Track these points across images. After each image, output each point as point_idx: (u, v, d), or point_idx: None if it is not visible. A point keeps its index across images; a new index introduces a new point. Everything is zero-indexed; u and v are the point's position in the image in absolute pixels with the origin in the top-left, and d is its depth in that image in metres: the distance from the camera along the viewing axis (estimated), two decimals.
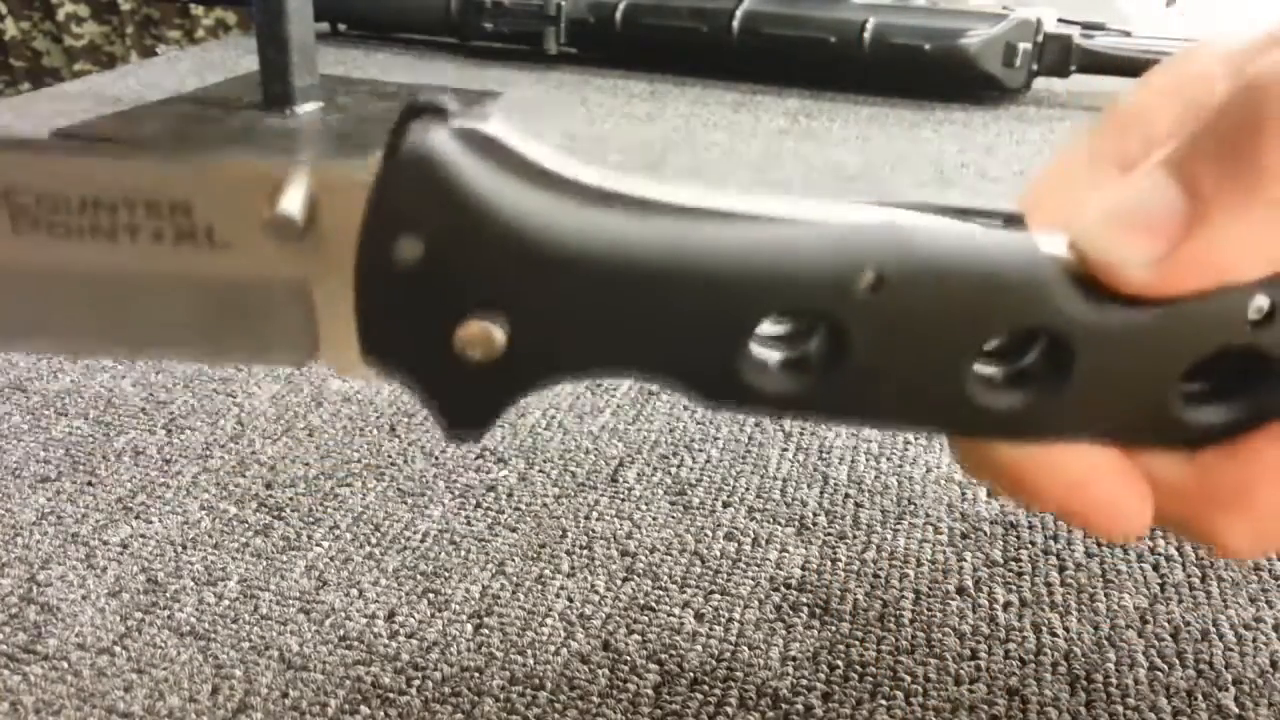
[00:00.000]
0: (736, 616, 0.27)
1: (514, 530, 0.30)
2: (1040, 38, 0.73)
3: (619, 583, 0.28)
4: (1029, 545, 0.29)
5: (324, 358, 0.17)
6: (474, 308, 0.16)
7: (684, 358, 0.17)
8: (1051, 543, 0.29)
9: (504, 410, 0.18)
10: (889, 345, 0.17)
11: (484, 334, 0.16)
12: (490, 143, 0.16)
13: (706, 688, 0.25)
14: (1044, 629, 0.26)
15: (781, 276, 0.16)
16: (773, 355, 0.17)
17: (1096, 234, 0.17)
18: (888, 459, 0.33)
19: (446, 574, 0.28)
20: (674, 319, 0.16)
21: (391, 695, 0.24)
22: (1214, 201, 0.16)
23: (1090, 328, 0.17)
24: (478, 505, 0.31)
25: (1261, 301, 0.17)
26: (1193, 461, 0.19)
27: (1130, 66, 0.73)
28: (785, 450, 0.34)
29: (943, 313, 0.17)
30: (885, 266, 0.16)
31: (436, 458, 0.33)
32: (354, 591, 0.28)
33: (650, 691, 0.25)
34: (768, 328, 0.18)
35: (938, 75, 0.74)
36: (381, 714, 0.24)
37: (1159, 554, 0.29)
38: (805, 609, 0.27)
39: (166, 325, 0.17)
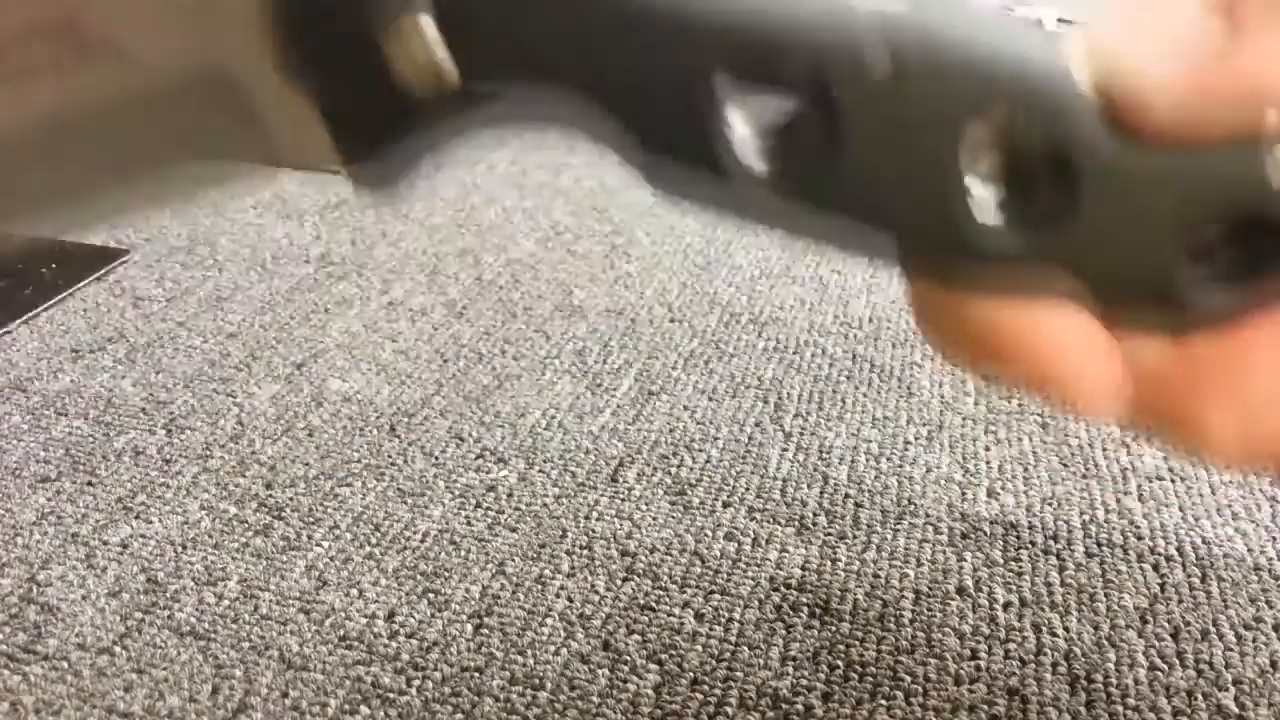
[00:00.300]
0: (736, 616, 0.27)
1: (514, 530, 0.30)
2: None
3: (619, 583, 0.28)
4: (1029, 545, 0.29)
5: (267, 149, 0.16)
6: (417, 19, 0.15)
7: (641, 78, 0.15)
8: (1051, 543, 0.29)
9: (417, 134, 0.16)
10: (887, 130, 0.15)
11: (430, 58, 0.15)
12: None
13: (706, 688, 0.25)
14: (1044, 629, 0.26)
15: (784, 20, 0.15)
16: (745, 126, 0.16)
17: (1122, 55, 0.16)
18: (888, 459, 0.33)
19: (446, 574, 0.28)
20: (642, 63, 0.15)
21: (391, 695, 0.24)
22: (1251, 23, 0.15)
23: (1103, 159, 0.16)
24: (478, 505, 0.31)
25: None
26: (1181, 344, 0.18)
27: None
28: (785, 450, 0.34)
29: (946, 99, 0.15)
30: (903, 52, 0.15)
31: (436, 458, 0.33)
32: (354, 591, 0.28)
33: (650, 691, 0.25)
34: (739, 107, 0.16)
35: None
36: (381, 714, 0.24)
37: (1159, 554, 0.29)
38: (805, 609, 0.27)
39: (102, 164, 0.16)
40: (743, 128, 0.15)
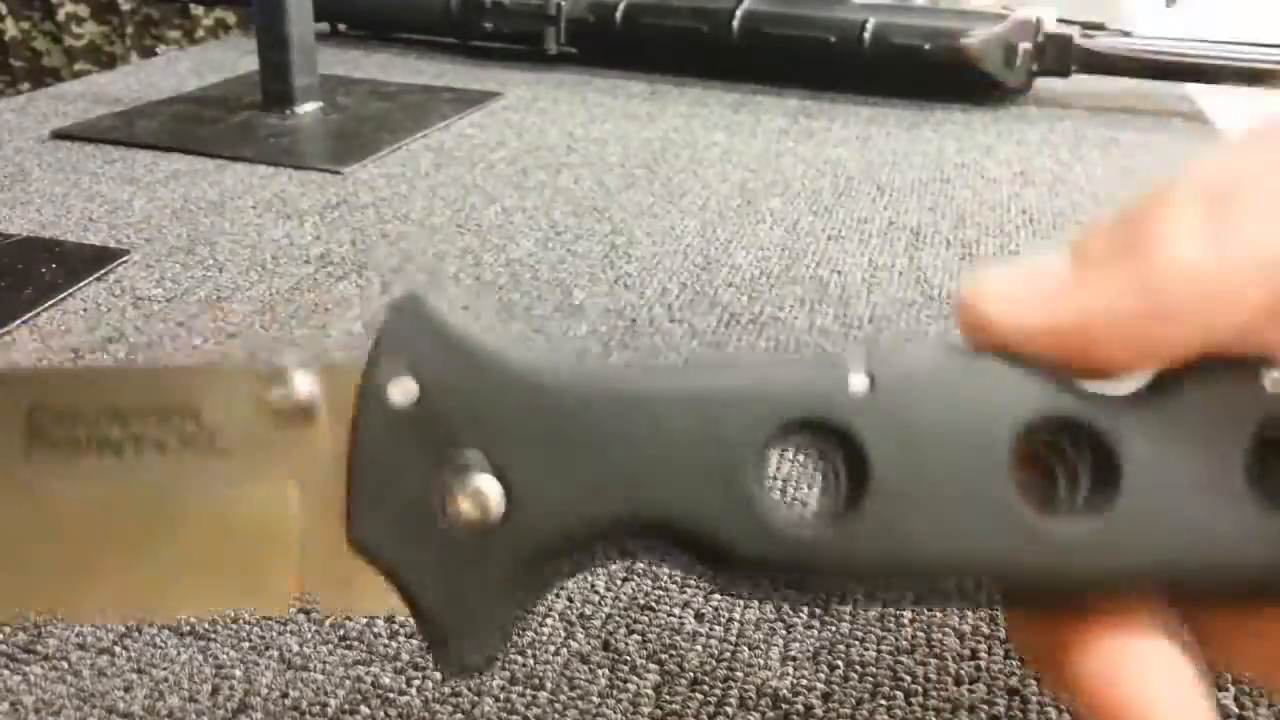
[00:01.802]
0: (736, 616, 0.27)
1: None
2: (1040, 38, 0.73)
3: (619, 583, 0.28)
4: None
5: (310, 582, 0.16)
6: (470, 454, 0.16)
7: (696, 497, 0.16)
8: None
9: (505, 616, 0.16)
10: (904, 452, 0.15)
11: (479, 491, 0.15)
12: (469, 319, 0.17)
13: (706, 688, 0.25)
14: None
15: (778, 387, 0.16)
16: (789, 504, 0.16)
17: (976, 277, 0.16)
18: None
19: None
20: (681, 449, 0.16)
21: (391, 695, 0.24)
22: (1096, 265, 0.15)
23: (1126, 412, 0.16)
24: None
25: (1276, 374, 0.16)
26: None
27: (1130, 66, 0.73)
28: (785, 450, 0.34)
29: (952, 402, 0.16)
30: (876, 362, 0.16)
31: None
32: None
33: (650, 691, 0.25)
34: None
35: (938, 75, 0.74)
36: (381, 714, 0.24)
37: None
38: (805, 609, 0.27)
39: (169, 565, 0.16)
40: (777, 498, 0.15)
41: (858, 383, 0.16)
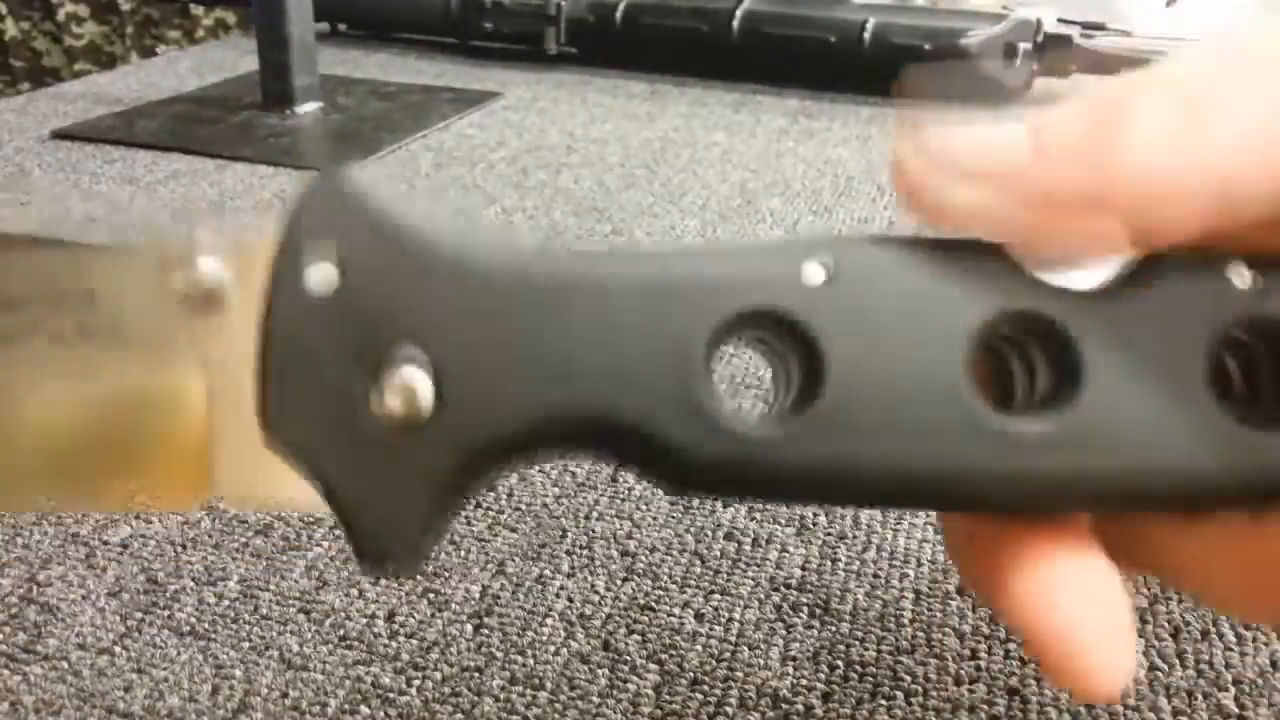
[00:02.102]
0: (736, 616, 0.27)
1: (514, 530, 0.30)
2: (1040, 38, 0.73)
3: (619, 583, 0.28)
4: None
5: (219, 473, 0.15)
6: (396, 345, 0.14)
7: (638, 392, 0.15)
8: None
9: (434, 516, 0.15)
10: (859, 348, 0.15)
11: (405, 385, 0.14)
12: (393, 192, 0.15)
13: (706, 688, 0.25)
14: None
15: (727, 278, 0.15)
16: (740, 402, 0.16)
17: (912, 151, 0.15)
18: None
19: (446, 574, 0.28)
20: (627, 339, 0.15)
21: (391, 695, 0.24)
22: (1058, 147, 0.14)
23: (1087, 308, 0.15)
24: (478, 505, 0.31)
25: (1243, 270, 0.15)
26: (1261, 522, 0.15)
27: (1130, 66, 0.73)
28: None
29: (909, 294, 0.15)
30: (831, 254, 0.15)
31: None
32: (354, 591, 0.28)
33: (650, 691, 0.25)
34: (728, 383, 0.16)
35: None
36: (381, 714, 0.24)
37: None
38: (805, 609, 0.27)
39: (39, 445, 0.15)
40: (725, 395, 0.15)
41: (813, 273, 0.15)
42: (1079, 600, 0.15)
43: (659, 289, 0.15)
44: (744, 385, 0.37)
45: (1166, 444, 0.15)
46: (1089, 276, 0.15)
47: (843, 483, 0.15)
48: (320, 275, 0.14)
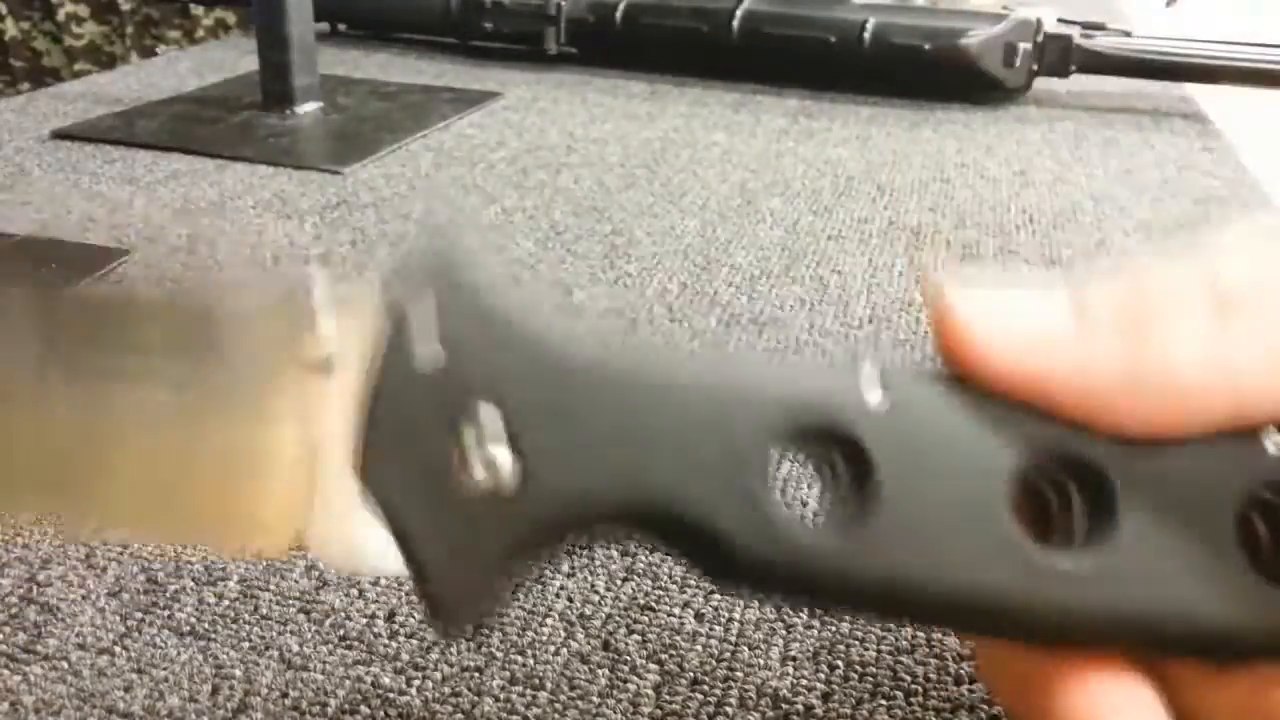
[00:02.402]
0: (736, 616, 0.27)
1: None
2: (1040, 38, 0.73)
3: (619, 583, 0.28)
4: None
5: (312, 527, 0.16)
6: (489, 424, 0.16)
7: (703, 492, 0.16)
8: None
9: (502, 585, 0.16)
10: (913, 471, 0.16)
11: (494, 460, 0.15)
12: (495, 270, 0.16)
13: (706, 688, 0.25)
14: None
15: (793, 391, 0.16)
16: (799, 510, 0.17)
17: (957, 294, 0.16)
18: None
19: None
20: (696, 439, 0.16)
21: (391, 695, 0.24)
22: (1100, 329, 0.15)
23: (1125, 459, 0.16)
24: None
25: (1277, 436, 0.16)
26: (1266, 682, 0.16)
27: (1130, 66, 0.73)
28: (785, 450, 0.34)
29: (960, 429, 0.16)
30: (890, 381, 0.16)
31: None
32: (354, 591, 0.28)
33: (650, 691, 0.25)
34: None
35: (938, 75, 0.74)
36: (381, 714, 0.24)
37: None
38: (805, 609, 0.27)
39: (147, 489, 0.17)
40: (783, 501, 0.16)
41: (874, 398, 0.16)
42: (1121, 718, 0.16)
43: (733, 396, 0.16)
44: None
45: (1194, 594, 0.16)
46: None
47: (885, 600, 0.16)
48: (427, 354, 0.16)
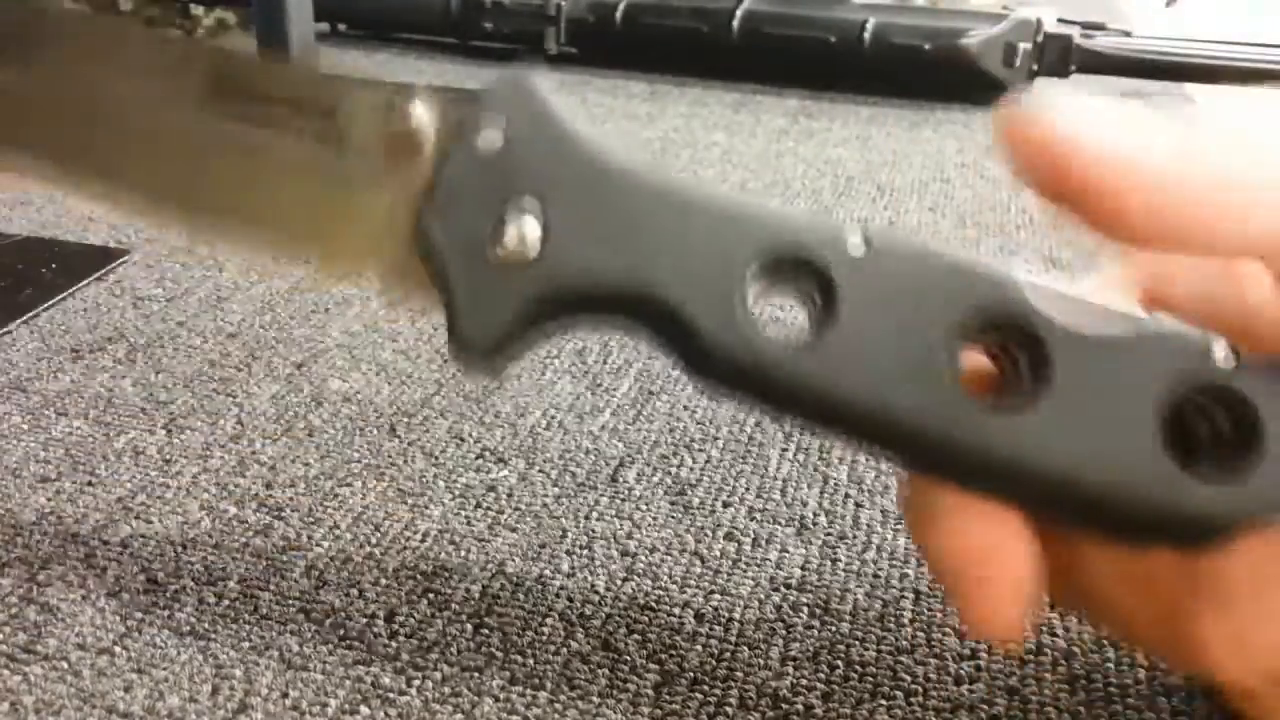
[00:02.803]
0: (736, 616, 0.27)
1: (514, 530, 0.30)
2: (1040, 38, 0.73)
3: (619, 583, 0.28)
4: None
5: (372, 255, 0.21)
6: (526, 201, 0.19)
7: (690, 289, 0.19)
8: None
9: (515, 331, 0.20)
10: (874, 309, 0.18)
11: (524, 230, 0.19)
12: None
13: (706, 688, 0.25)
14: (1044, 629, 0.26)
15: (783, 221, 0.19)
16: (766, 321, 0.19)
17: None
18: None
19: (446, 574, 0.28)
20: (693, 243, 0.19)
21: (391, 695, 0.24)
22: (1205, 154, 0.17)
23: (1066, 332, 0.18)
24: (478, 505, 0.31)
25: (1226, 348, 0.18)
26: (1172, 558, 0.18)
27: (1130, 66, 0.73)
28: (785, 450, 0.34)
29: (923, 285, 0.18)
30: (872, 234, 0.19)
31: (436, 458, 0.33)
32: (354, 591, 0.28)
33: (650, 691, 0.25)
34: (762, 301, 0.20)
35: (938, 75, 0.74)
36: (381, 714, 0.24)
37: None
38: (805, 609, 0.27)
39: (272, 208, 0.21)
40: (762, 314, 0.19)
41: (855, 245, 0.19)
42: (993, 542, 0.19)
43: (731, 216, 0.19)
44: None
45: (1108, 462, 0.18)
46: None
47: (827, 413, 0.19)
48: (489, 139, 0.20)
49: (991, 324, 0.18)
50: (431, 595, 0.27)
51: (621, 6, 0.80)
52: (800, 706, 0.24)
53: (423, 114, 0.20)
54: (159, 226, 0.24)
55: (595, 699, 0.24)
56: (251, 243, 0.22)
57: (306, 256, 0.22)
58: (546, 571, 0.28)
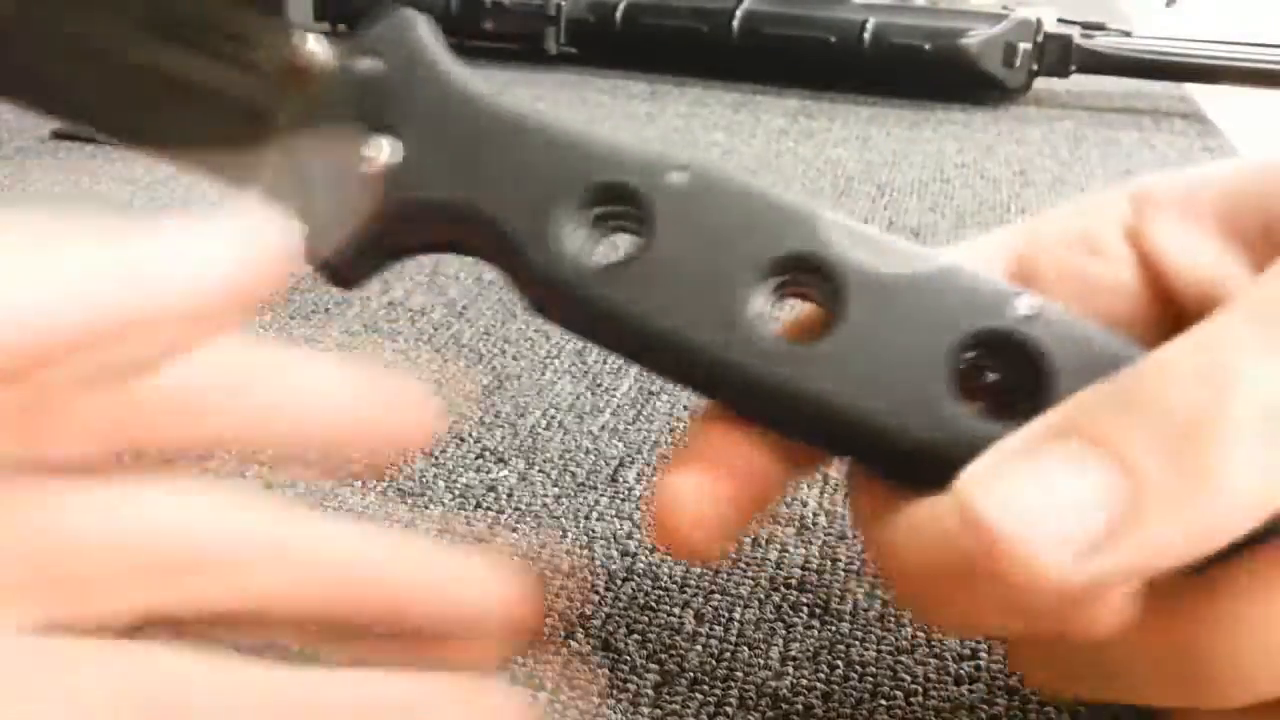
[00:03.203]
0: (736, 616, 0.27)
1: (514, 530, 0.30)
2: (1040, 38, 0.73)
3: (619, 583, 0.28)
4: None
5: (262, 169, 0.22)
6: (387, 122, 0.21)
7: (514, 210, 0.20)
8: None
9: (367, 246, 0.21)
10: (686, 240, 0.19)
11: (383, 146, 0.21)
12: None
13: (706, 688, 0.25)
14: None
15: (611, 151, 0.20)
16: (590, 240, 0.21)
17: (1001, 506, 0.14)
18: None
19: None
20: (523, 168, 0.20)
21: None
22: (1156, 495, 0.14)
23: (861, 270, 0.19)
24: (478, 505, 0.31)
25: (1030, 301, 0.18)
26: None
27: (1130, 66, 0.73)
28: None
29: (734, 220, 0.19)
30: (696, 168, 0.20)
31: (436, 458, 0.33)
32: None
33: (650, 691, 0.25)
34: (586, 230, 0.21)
35: (938, 75, 0.74)
36: None
37: None
38: (805, 609, 0.27)
39: (189, 122, 0.23)
40: (579, 236, 0.20)
41: (676, 177, 0.20)
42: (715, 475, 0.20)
43: (563, 142, 0.20)
44: None
45: (893, 398, 0.18)
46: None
47: (633, 337, 0.20)
48: (366, 68, 0.21)
49: (793, 261, 0.19)
50: None
51: (621, 6, 0.80)
52: (800, 706, 0.24)
53: (315, 47, 0.22)
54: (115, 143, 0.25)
55: (595, 699, 0.24)
56: (176, 157, 0.24)
57: (210, 169, 0.23)
58: (547, 571, 0.28)
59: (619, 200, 0.20)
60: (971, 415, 0.18)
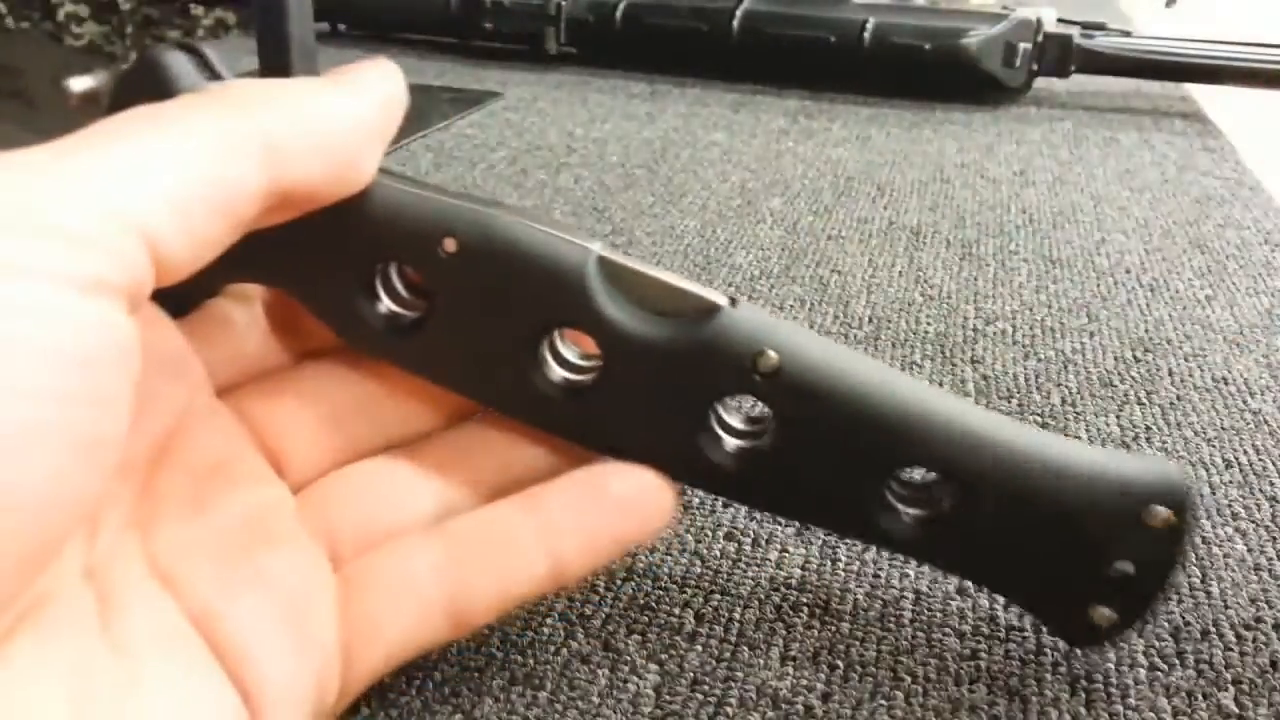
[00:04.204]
0: (736, 616, 0.27)
1: None
2: (1040, 38, 0.73)
3: (619, 583, 0.28)
4: None
5: None
6: None
7: (326, 286, 0.22)
8: None
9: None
10: (465, 309, 0.21)
11: None
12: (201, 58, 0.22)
13: (706, 688, 0.25)
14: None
15: (393, 214, 0.21)
16: (389, 307, 0.22)
17: None
18: None
19: None
20: (308, 254, 0.21)
21: (391, 695, 0.24)
22: None
23: (620, 333, 0.21)
24: None
25: (774, 358, 0.21)
26: None
27: (1130, 66, 0.73)
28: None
29: (509, 291, 0.21)
30: (469, 238, 0.21)
31: None
32: None
33: (650, 691, 0.25)
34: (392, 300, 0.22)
35: (938, 75, 0.74)
36: (381, 714, 0.24)
37: None
38: (805, 609, 0.27)
39: None
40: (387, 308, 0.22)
41: (450, 245, 0.21)
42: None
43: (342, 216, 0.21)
44: None
45: (654, 442, 0.22)
46: None
47: (440, 373, 0.22)
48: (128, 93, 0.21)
49: (562, 322, 0.22)
50: None
51: (621, 6, 0.80)
52: (800, 706, 0.24)
53: (97, 81, 0.24)
54: None
55: (595, 699, 0.24)
56: None
57: None
58: None
59: (401, 273, 0.22)
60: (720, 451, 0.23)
